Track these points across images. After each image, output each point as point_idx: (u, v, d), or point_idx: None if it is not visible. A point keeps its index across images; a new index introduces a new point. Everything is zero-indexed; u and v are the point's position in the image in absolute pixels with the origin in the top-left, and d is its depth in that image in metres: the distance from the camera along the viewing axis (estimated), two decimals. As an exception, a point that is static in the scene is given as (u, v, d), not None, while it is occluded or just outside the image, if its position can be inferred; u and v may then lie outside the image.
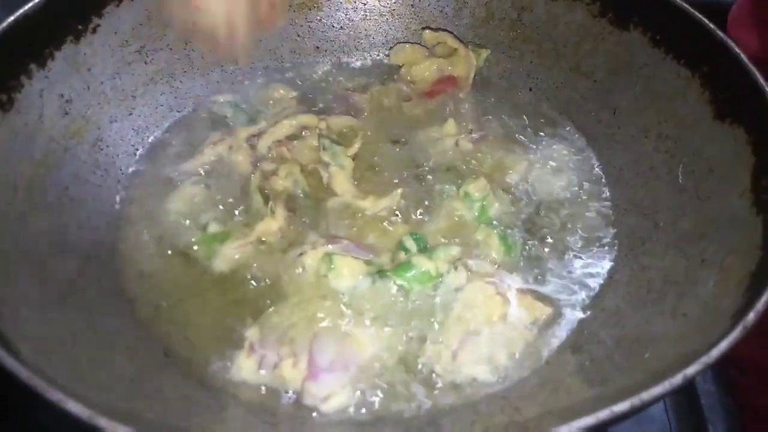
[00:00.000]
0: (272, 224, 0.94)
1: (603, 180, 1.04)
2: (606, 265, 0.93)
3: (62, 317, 0.78)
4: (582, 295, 0.90)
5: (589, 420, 0.56)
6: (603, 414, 0.56)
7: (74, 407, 0.55)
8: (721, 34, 0.92)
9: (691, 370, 0.58)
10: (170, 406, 0.74)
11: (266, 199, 0.97)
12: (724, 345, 0.60)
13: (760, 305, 0.65)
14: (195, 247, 0.94)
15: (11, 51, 0.89)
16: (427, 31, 1.21)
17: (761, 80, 0.85)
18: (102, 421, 0.54)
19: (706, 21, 0.94)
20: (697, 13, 0.95)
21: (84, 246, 0.90)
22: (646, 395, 0.56)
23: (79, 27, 0.98)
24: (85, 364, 0.72)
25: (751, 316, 0.63)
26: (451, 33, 1.18)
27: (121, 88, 1.05)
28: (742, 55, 0.88)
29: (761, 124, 0.84)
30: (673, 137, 0.97)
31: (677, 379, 0.57)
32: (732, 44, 0.90)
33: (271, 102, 1.16)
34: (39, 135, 0.91)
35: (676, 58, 0.98)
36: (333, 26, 1.25)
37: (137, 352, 0.81)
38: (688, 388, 0.94)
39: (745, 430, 0.92)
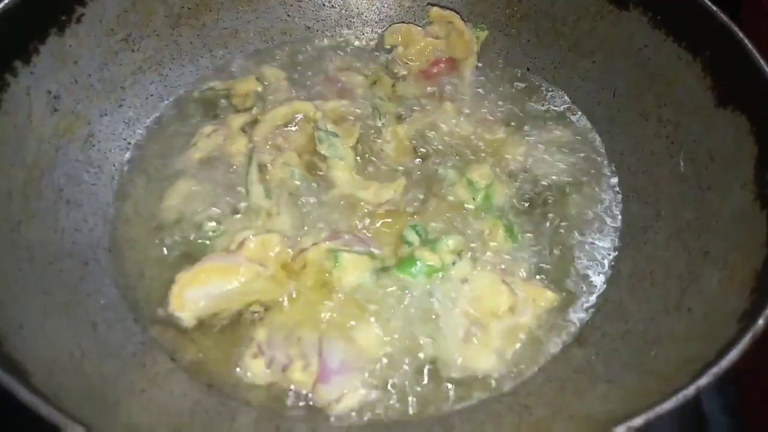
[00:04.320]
0: (276, 220, 0.93)
1: (605, 164, 1.03)
2: (610, 254, 0.94)
3: (67, 328, 0.77)
4: (586, 284, 0.90)
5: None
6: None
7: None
8: (724, 17, 0.90)
9: (703, 381, 0.58)
10: (183, 417, 0.74)
11: (267, 192, 0.95)
12: (734, 354, 0.60)
13: (768, 310, 0.65)
14: (193, 245, 0.92)
15: (-6, 48, 0.85)
16: (435, 8, 1.16)
17: (766, 67, 0.83)
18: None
19: (709, 2, 0.92)
20: (700, -5, 0.93)
21: (82, 250, 0.89)
22: (659, 409, 0.57)
23: (63, 18, 0.94)
24: (96, 380, 0.72)
25: (761, 323, 0.63)
26: (458, 14, 1.14)
27: (110, 80, 1.02)
28: (746, 40, 0.87)
29: (765, 113, 0.82)
30: (674, 122, 0.96)
31: (690, 391, 0.58)
32: (736, 28, 0.88)
33: (262, 87, 1.12)
34: (29, 136, 0.89)
35: (676, 40, 0.97)
36: (324, 5, 1.21)
37: (144, 360, 0.81)
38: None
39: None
